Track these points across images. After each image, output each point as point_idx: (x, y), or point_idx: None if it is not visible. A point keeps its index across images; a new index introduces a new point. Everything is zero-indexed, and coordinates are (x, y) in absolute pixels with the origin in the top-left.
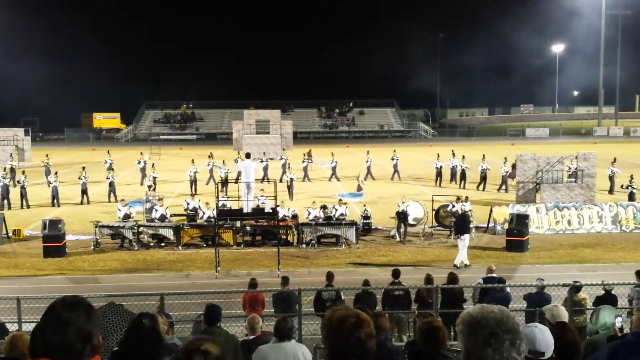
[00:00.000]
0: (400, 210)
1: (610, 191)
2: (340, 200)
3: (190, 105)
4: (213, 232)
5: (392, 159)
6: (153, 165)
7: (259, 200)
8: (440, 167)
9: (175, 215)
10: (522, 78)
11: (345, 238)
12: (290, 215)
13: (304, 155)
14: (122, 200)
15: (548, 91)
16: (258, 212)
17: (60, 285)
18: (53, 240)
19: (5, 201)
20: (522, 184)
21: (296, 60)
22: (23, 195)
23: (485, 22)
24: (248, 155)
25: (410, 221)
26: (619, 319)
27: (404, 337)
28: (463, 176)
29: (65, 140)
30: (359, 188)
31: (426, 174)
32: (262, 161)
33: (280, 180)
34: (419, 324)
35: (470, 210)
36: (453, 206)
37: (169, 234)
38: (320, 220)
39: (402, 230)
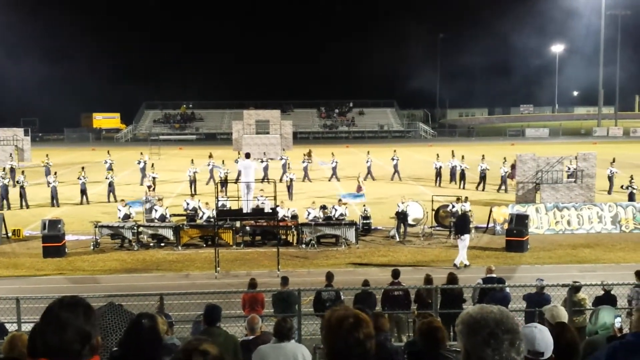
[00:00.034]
0: (399, 211)
1: (609, 192)
2: (340, 200)
3: (190, 106)
4: (213, 232)
5: (393, 159)
6: (153, 165)
7: (258, 200)
8: (440, 167)
9: (174, 215)
10: (521, 78)
11: (344, 238)
12: (290, 216)
13: (304, 155)
14: (122, 200)
15: (548, 91)
16: (258, 212)
17: (60, 285)
18: (52, 241)
19: (5, 201)
20: (522, 184)
21: (296, 60)
22: (22, 196)
23: (485, 22)
24: (248, 156)
25: (410, 221)
26: (619, 319)
27: (403, 337)
28: (462, 176)
29: (65, 141)
30: (359, 188)
31: (426, 174)
32: (262, 161)
33: (280, 181)
34: (419, 324)
35: (470, 211)
36: (453, 206)
37: (168, 234)
38: (320, 220)
39: (401, 230)
